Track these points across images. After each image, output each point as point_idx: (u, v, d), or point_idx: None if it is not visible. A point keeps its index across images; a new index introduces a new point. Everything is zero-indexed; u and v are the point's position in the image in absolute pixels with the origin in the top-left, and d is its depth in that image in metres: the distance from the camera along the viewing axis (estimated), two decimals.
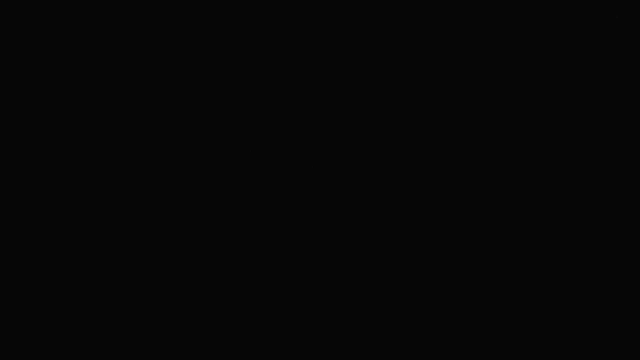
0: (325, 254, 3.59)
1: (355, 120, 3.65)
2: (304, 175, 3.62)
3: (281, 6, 3.67)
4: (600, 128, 3.61)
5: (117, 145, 3.63)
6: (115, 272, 3.56)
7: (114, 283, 3.56)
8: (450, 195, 3.61)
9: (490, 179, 3.61)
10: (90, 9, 3.66)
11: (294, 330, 3.54)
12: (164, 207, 3.60)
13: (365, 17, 3.67)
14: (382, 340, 3.53)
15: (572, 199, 3.59)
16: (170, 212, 3.60)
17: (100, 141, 3.63)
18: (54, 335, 3.51)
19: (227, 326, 3.54)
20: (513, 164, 3.61)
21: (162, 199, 3.60)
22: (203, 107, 3.66)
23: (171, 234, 3.59)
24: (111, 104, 3.65)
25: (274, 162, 3.63)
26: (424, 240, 3.59)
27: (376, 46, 3.66)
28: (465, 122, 3.64)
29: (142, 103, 3.65)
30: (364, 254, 3.59)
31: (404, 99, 3.66)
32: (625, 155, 3.59)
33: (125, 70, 3.66)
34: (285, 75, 3.67)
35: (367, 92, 3.66)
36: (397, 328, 3.54)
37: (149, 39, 3.67)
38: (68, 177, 3.60)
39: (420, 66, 3.66)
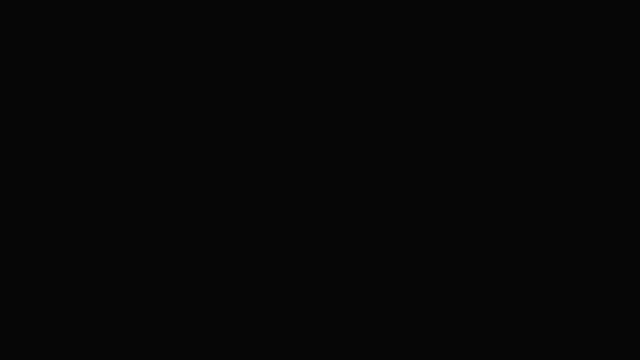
0: (325, 254, 3.59)
1: (355, 120, 3.65)
2: (304, 175, 3.62)
3: (281, 6, 3.68)
4: (601, 128, 3.62)
5: (117, 146, 3.63)
6: (115, 272, 3.56)
7: (114, 283, 3.56)
8: (450, 196, 3.61)
9: (490, 179, 3.61)
10: (90, 9, 3.66)
11: (294, 330, 3.55)
12: (164, 207, 3.60)
13: (365, 17, 3.67)
14: (382, 340, 3.54)
15: (572, 199, 3.60)
16: (170, 212, 3.60)
17: (100, 141, 3.63)
18: (54, 335, 3.52)
19: (227, 326, 3.54)
20: (513, 164, 3.61)
21: (162, 199, 3.61)
22: (203, 107, 3.66)
23: (171, 234, 3.59)
24: (111, 104, 3.65)
25: (274, 162, 3.63)
26: (424, 240, 3.59)
27: (376, 46, 3.67)
28: (465, 122, 3.64)
29: (142, 103, 3.65)
30: (364, 254, 3.59)
31: (403, 99, 3.66)
32: (625, 155, 3.60)
33: (125, 70, 3.66)
34: (285, 75, 3.67)
35: (367, 92, 3.66)
36: (397, 328, 3.54)
37: (149, 39, 3.67)
38: (68, 177, 3.60)
39: (420, 66, 3.66)
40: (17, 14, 3.65)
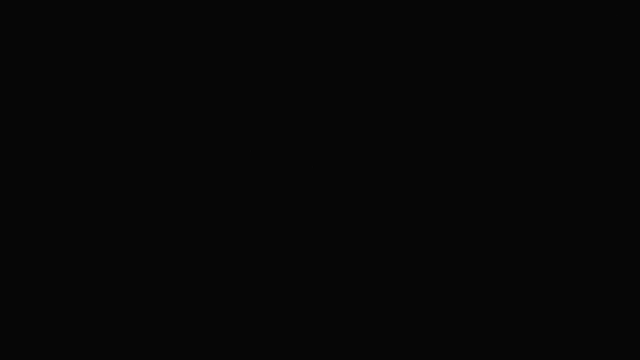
0: (325, 254, 3.59)
1: (355, 120, 3.65)
2: (304, 175, 3.63)
3: (281, 6, 3.68)
4: (600, 128, 3.62)
5: (117, 145, 3.63)
6: (115, 272, 3.57)
7: (114, 283, 3.56)
8: (449, 196, 3.61)
9: (490, 179, 3.62)
10: (90, 9, 3.66)
11: (294, 330, 3.55)
12: (164, 207, 3.60)
13: (365, 17, 3.67)
14: (382, 341, 3.54)
15: (572, 199, 3.60)
16: (170, 212, 3.60)
17: (101, 141, 3.64)
18: (54, 335, 3.52)
19: (227, 326, 3.55)
20: (513, 164, 3.62)
21: (162, 199, 3.61)
22: (203, 107, 3.66)
23: (171, 234, 3.59)
24: (112, 105, 3.65)
25: (274, 162, 3.63)
26: (423, 240, 3.59)
27: (376, 46, 3.67)
28: (465, 122, 3.65)
29: (142, 103, 3.66)
30: (364, 254, 3.59)
31: (403, 99, 3.66)
32: (625, 155, 3.60)
33: (125, 70, 3.66)
34: (285, 75, 3.68)
35: (367, 92, 3.66)
36: (397, 328, 3.54)
37: (149, 39, 3.67)
38: (68, 177, 3.61)
39: (420, 66, 3.66)
40: (17, 14, 3.65)
